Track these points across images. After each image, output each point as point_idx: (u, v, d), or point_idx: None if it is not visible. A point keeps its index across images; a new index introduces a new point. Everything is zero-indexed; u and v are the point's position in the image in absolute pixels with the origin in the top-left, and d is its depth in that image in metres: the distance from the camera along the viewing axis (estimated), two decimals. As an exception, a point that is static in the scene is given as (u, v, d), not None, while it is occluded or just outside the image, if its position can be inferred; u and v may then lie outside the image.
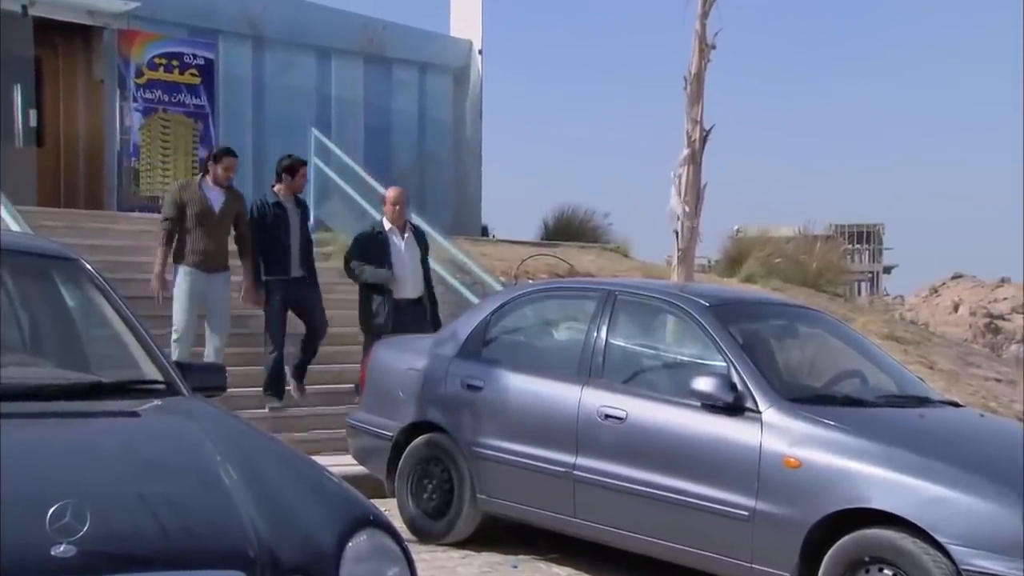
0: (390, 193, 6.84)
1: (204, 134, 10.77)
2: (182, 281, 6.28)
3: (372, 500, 2.71)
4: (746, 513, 3.95)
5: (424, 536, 5.04)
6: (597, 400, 4.53)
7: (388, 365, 5.46)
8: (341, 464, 5.91)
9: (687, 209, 7.93)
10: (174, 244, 6.29)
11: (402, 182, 12.66)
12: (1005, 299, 33.23)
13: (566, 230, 14.53)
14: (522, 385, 4.85)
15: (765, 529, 3.90)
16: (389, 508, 4.96)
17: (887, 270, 43.97)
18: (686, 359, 4.62)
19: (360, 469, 5.62)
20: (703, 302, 4.57)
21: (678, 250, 8.08)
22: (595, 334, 4.73)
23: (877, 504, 3.60)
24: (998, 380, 11.18)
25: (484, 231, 14.51)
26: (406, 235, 6.69)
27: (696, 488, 4.12)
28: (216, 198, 6.35)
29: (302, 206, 6.83)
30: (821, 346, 5.06)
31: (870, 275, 41.98)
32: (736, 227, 17.92)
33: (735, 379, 4.15)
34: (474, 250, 10.11)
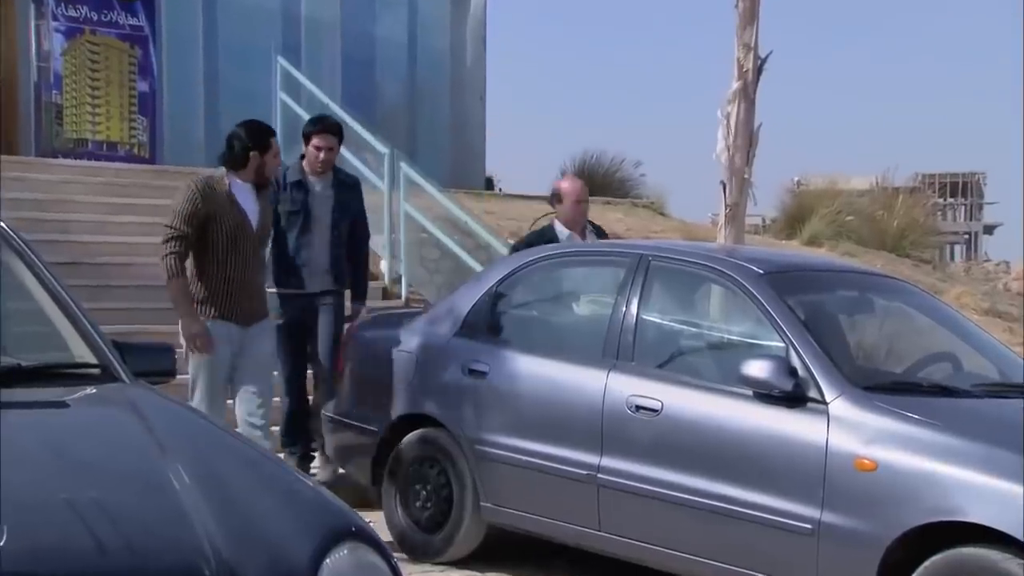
0: (567, 185, 6.15)
1: (144, 62, 10.77)
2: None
3: (354, 509, 2.73)
4: (809, 527, 3.97)
5: (417, 552, 5.09)
6: (626, 388, 4.55)
7: (372, 347, 5.49)
8: (316, 465, 5.98)
9: (737, 156, 7.90)
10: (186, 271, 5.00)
11: (390, 124, 12.69)
12: None
13: (589, 182, 14.47)
14: (535, 370, 4.87)
15: (833, 546, 3.92)
16: (375, 519, 5.00)
17: (989, 230, 43.77)
18: (735, 338, 4.63)
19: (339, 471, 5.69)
20: (756, 269, 4.57)
21: (726, 206, 8.05)
22: (624, 308, 4.74)
23: (974, 517, 3.61)
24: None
25: (489, 184, 14.53)
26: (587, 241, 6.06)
27: (747, 495, 4.14)
28: (251, 207, 5.07)
29: (343, 188, 5.92)
30: (903, 323, 5.06)
31: (967, 236, 41.82)
32: (797, 178, 17.94)
33: (795, 363, 4.15)
34: (477, 207, 10.12)
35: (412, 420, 5.19)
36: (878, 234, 14.08)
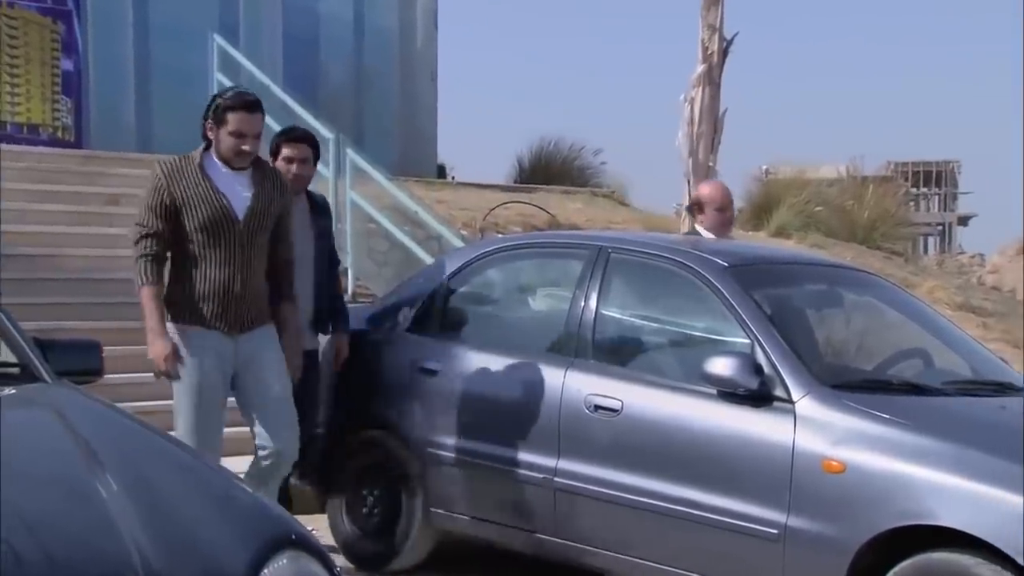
0: (708, 191, 5.84)
1: (67, 39, 10.62)
2: (186, 361, 4.35)
3: (296, 516, 2.72)
4: (775, 531, 4.00)
5: (363, 561, 5.09)
6: (585, 387, 4.57)
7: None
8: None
9: (702, 143, 7.97)
10: (163, 276, 4.39)
11: (335, 108, 12.62)
12: (1121, 256, 33.58)
13: (546, 171, 14.57)
14: (489, 368, 4.87)
15: (799, 551, 3.96)
16: (318, 526, 4.98)
17: (963, 221, 44.39)
18: (699, 335, 4.66)
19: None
20: (720, 262, 4.60)
21: (689, 196, 8.12)
22: (582, 303, 4.75)
23: (946, 520, 3.65)
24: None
25: (441, 172, 14.52)
26: None
27: (710, 499, 4.17)
28: (237, 190, 4.38)
29: (320, 213, 5.10)
30: (873, 318, 5.12)
31: (940, 227, 42.37)
32: (765, 167, 18.09)
33: (761, 360, 4.18)
34: (428, 196, 10.12)
35: (359, 421, 5.18)
36: (848, 225, 14.23)
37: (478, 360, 4.89)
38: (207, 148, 4.39)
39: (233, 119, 4.31)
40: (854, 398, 4.07)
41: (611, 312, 4.78)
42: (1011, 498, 3.56)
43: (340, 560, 5.02)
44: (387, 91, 13.70)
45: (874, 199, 15.07)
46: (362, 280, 9.01)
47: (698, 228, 5.83)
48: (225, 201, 4.32)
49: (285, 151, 4.99)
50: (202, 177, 4.33)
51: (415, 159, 13.45)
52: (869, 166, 20.18)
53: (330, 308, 5.08)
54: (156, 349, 4.28)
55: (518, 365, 4.82)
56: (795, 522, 3.96)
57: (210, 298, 4.32)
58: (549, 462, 4.59)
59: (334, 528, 5.18)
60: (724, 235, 5.79)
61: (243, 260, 4.35)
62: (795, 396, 4.08)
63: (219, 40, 10.66)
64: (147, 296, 4.30)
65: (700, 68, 8.10)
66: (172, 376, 4.30)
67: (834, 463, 3.91)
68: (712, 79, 8.09)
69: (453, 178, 14.19)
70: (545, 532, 4.63)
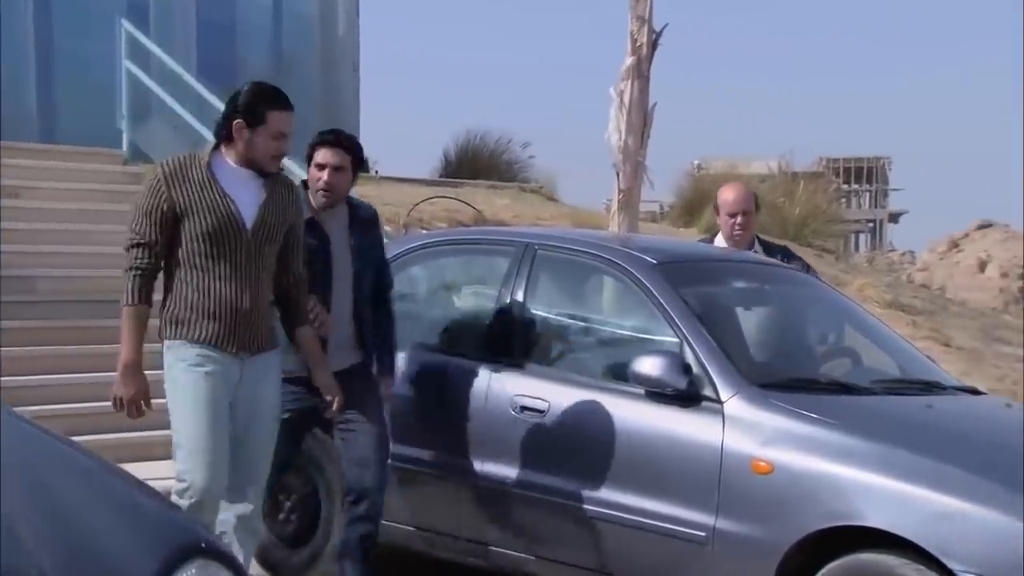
0: (724, 194, 5.57)
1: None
2: (185, 377, 3.94)
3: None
4: (703, 534, 4.05)
5: (279, 570, 5.05)
6: (511, 387, 4.58)
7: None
8: (166, 476, 5.86)
9: (631, 137, 8.02)
10: (152, 295, 3.98)
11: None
12: (1048, 254, 34.56)
13: (473, 165, 14.57)
14: (411, 368, 4.87)
15: (728, 554, 4.01)
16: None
17: (894, 218, 45.26)
18: (627, 334, 4.70)
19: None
20: (649, 259, 4.64)
21: (619, 192, 8.18)
22: (508, 301, 4.77)
23: (872, 521, 3.72)
24: (1036, 361, 11.66)
25: (363, 165, 14.41)
26: None
27: (638, 501, 4.21)
28: (247, 196, 4.00)
29: (362, 225, 4.62)
30: (802, 317, 5.20)
31: (871, 224, 43.18)
32: (697, 162, 18.30)
33: (689, 359, 4.24)
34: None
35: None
36: (779, 222, 14.43)
37: (400, 360, 4.88)
38: (216, 147, 4.01)
39: (275, 119, 3.95)
40: (783, 398, 4.13)
41: (538, 311, 4.80)
42: (936, 497, 3.65)
43: (255, 569, 4.97)
44: (307, 81, 13.58)
45: (805, 195, 15.31)
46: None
47: (720, 239, 5.63)
48: (233, 207, 3.92)
49: (317, 156, 4.51)
50: (209, 179, 3.92)
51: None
52: (800, 162, 20.55)
53: (379, 344, 4.60)
54: (125, 389, 3.87)
55: (443, 365, 4.82)
56: (723, 524, 4.01)
57: (216, 316, 3.90)
58: (475, 465, 4.60)
59: (250, 536, 5.12)
60: (742, 245, 5.52)
61: (251, 274, 3.95)
62: (724, 396, 4.14)
63: (127, 25, 10.49)
64: (130, 319, 3.87)
65: (629, 60, 8.15)
66: (142, 402, 3.90)
67: (762, 464, 3.97)
68: (641, 72, 8.14)
69: (376, 172, 14.12)
70: (472, 538, 4.64)
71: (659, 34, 8.15)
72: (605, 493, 4.29)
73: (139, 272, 3.89)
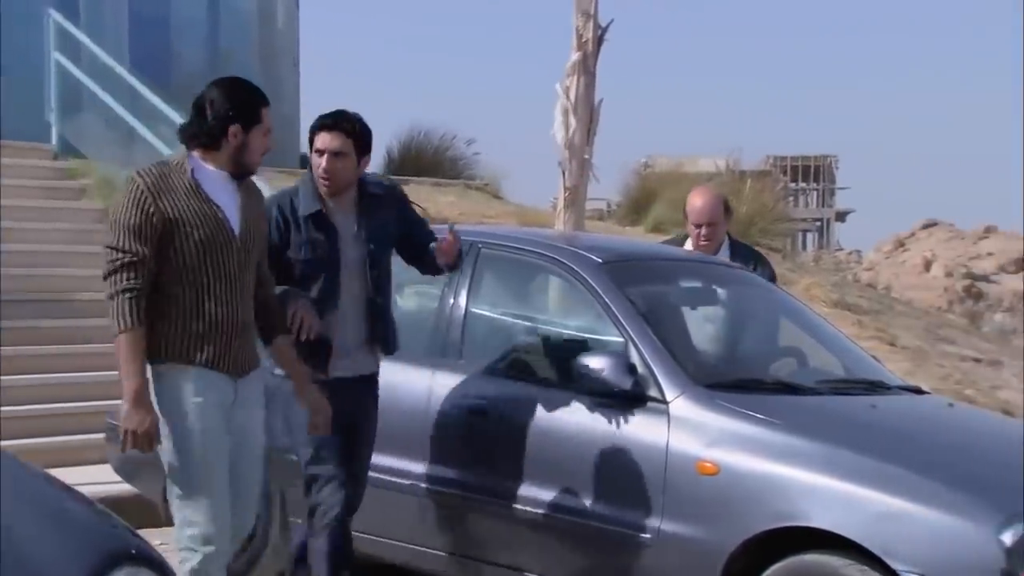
0: (696, 201, 5.51)
1: None
2: (186, 409, 3.72)
3: (141, 530, 2.67)
4: (648, 536, 4.09)
5: None
6: (453, 389, 4.59)
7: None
8: (97, 482, 5.81)
9: (577, 134, 8.06)
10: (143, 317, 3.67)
11: (188, 92, 12.30)
12: (990, 254, 35.26)
13: (417, 162, 14.52)
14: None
15: (672, 555, 4.05)
16: (165, 542, 4.89)
17: (841, 217, 45.81)
18: (572, 333, 4.72)
19: (125, 487, 5.55)
20: (595, 258, 4.67)
21: (564, 190, 8.21)
22: (451, 301, 4.77)
23: (817, 522, 3.77)
24: (977, 360, 11.89)
25: (304, 162, 14.31)
26: None
27: (582, 503, 4.24)
28: (230, 202, 3.83)
29: (372, 206, 4.36)
30: (748, 316, 5.25)
31: (818, 223, 43.68)
32: (644, 159, 18.41)
33: (634, 359, 4.27)
34: (288, 186, 9.96)
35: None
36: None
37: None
38: (192, 153, 3.79)
39: (267, 115, 3.85)
40: (728, 398, 4.18)
41: (481, 310, 4.81)
42: (879, 497, 3.71)
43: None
44: (246, 75, 13.44)
45: (752, 194, 15.44)
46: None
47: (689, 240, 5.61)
48: (221, 214, 3.74)
49: (316, 141, 4.29)
50: (194, 187, 3.72)
51: (276, 149, 13.18)
52: (747, 160, 20.71)
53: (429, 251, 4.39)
54: (139, 420, 3.57)
55: (384, 366, 4.81)
56: (669, 525, 4.05)
57: (211, 336, 3.70)
58: (416, 468, 4.60)
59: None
60: (705, 253, 5.47)
61: (243, 285, 3.79)
62: (669, 396, 4.17)
63: (56, 16, 10.35)
64: (129, 344, 3.57)
65: (575, 56, 8.19)
66: (153, 435, 3.62)
67: (708, 465, 4.01)
68: (587, 68, 8.19)
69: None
70: (412, 542, 4.64)
71: (605, 29, 8.20)
72: (548, 495, 4.31)
73: (133, 293, 3.58)
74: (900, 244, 37.55)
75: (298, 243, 4.23)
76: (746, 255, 5.63)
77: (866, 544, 3.66)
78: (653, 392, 4.20)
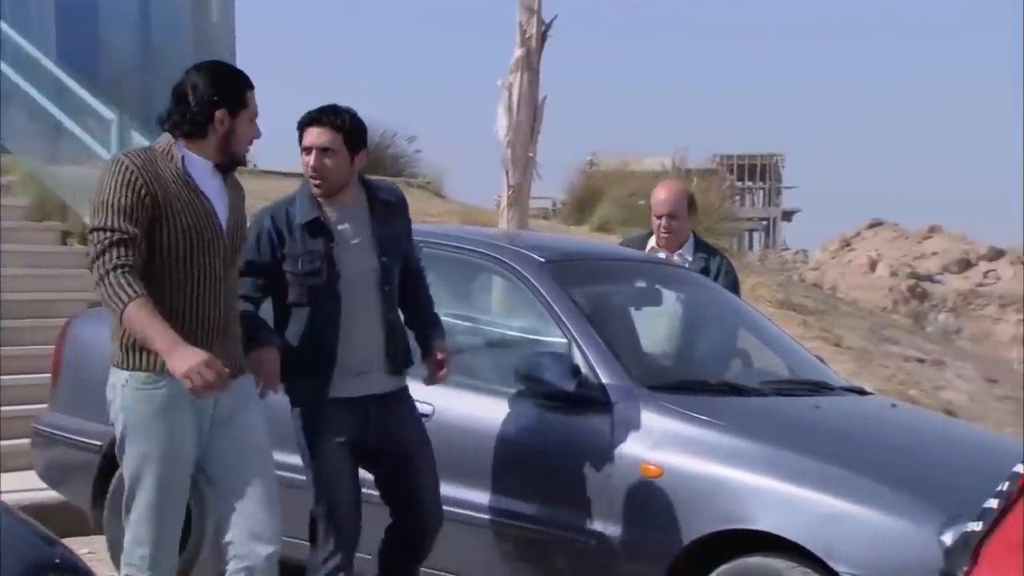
0: (660, 193, 5.57)
1: None
2: (155, 425, 3.51)
3: (67, 538, 2.64)
4: (593, 541, 4.10)
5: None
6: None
7: (93, 347, 5.28)
8: (21, 488, 5.73)
9: (520, 132, 8.07)
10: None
11: (119, 86, 12.20)
12: (935, 254, 35.87)
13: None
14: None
15: (618, 559, 4.07)
16: (95, 551, 4.85)
17: (787, 216, 46.34)
18: (515, 334, 4.73)
19: (51, 495, 5.49)
20: (537, 257, 4.67)
21: (508, 188, 8.23)
22: (391, 301, 4.76)
23: (761, 524, 3.81)
24: (921, 360, 12.07)
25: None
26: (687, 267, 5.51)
27: (525, 507, 4.24)
28: (217, 196, 3.66)
29: (385, 213, 4.15)
30: (693, 317, 5.29)
31: (764, 222, 44.12)
32: (590, 157, 18.48)
33: (578, 360, 4.28)
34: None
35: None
36: (672, 220, 14.59)
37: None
38: (179, 139, 3.60)
39: (252, 99, 3.66)
40: (672, 399, 4.20)
41: (422, 311, 4.79)
42: (822, 499, 3.75)
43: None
44: (180, 69, 13.24)
45: (698, 193, 15.52)
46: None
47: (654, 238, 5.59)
48: (210, 206, 3.57)
49: (303, 139, 4.05)
50: (184, 176, 3.54)
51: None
52: (694, 158, 20.87)
53: (418, 315, 4.26)
54: (188, 359, 3.34)
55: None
56: (613, 529, 4.07)
57: (193, 335, 3.46)
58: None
59: (112, 551, 5.02)
60: (666, 247, 5.52)
61: (228, 285, 3.62)
62: (613, 398, 4.19)
63: (-22, 8, 10.19)
64: (140, 311, 3.33)
65: (518, 52, 8.21)
66: (221, 388, 3.41)
67: (652, 467, 4.04)
68: (531, 64, 8.21)
69: (255, 165, 13.95)
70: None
71: (549, 25, 8.23)
72: (492, 499, 4.31)
73: (126, 269, 3.37)
74: (846, 244, 38.07)
75: (295, 255, 3.99)
76: (709, 255, 5.64)
77: (809, 546, 3.70)
78: (596, 394, 4.21)
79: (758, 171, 45.25)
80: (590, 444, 4.17)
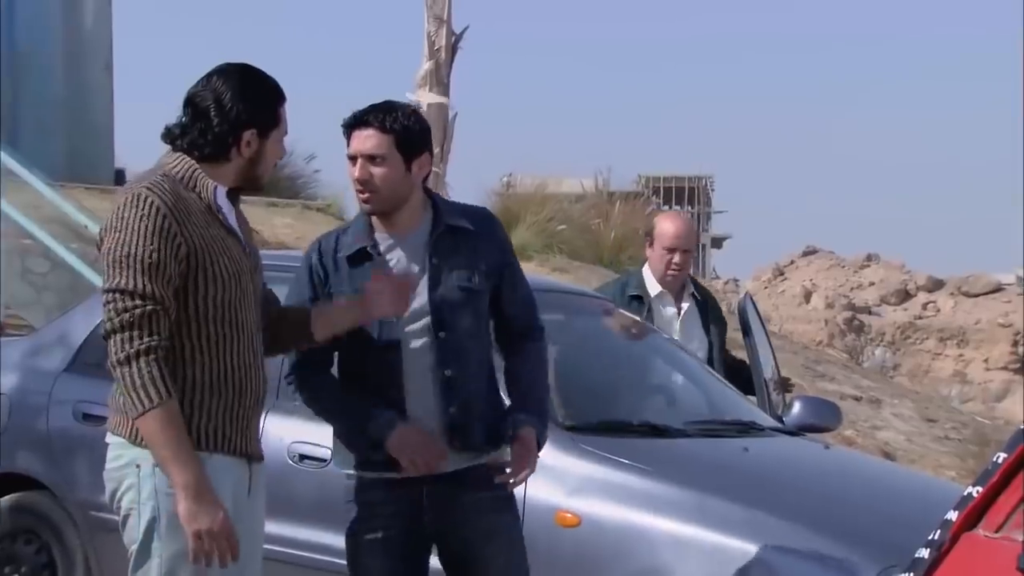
0: (664, 224, 5.50)
1: None
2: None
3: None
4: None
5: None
6: (287, 434, 4.56)
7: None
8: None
9: (428, 150, 8.10)
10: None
11: (-20, 95, 11.92)
12: (872, 284, 36.56)
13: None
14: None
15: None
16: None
17: (717, 243, 46.84)
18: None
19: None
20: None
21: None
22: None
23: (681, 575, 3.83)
24: (857, 398, 12.26)
25: (119, 177, 14.09)
26: (684, 306, 5.56)
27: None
28: (236, 226, 3.29)
29: (448, 258, 3.57)
30: (613, 352, 5.33)
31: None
32: (505, 177, 18.52)
33: (490, 400, 4.29)
34: (102, 207, 9.79)
35: (3, 481, 5.02)
36: (593, 246, 14.73)
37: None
38: (193, 167, 3.16)
39: (284, 114, 3.29)
40: (591, 442, 4.24)
41: (318, 347, 4.78)
42: (749, 548, 3.80)
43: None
44: (48, 80, 13.19)
45: (622, 217, 15.69)
46: (14, 308, 8.64)
47: (647, 272, 5.57)
48: (240, 246, 3.21)
49: (349, 145, 3.57)
50: (214, 212, 3.16)
51: (87, 162, 13.02)
52: (617, 180, 21.04)
53: (513, 390, 3.69)
54: (212, 516, 2.99)
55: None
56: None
57: (231, 412, 3.15)
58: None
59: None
60: (675, 284, 5.52)
61: (259, 338, 3.25)
62: (526, 440, 4.20)
63: None
64: (167, 422, 2.97)
65: (426, 65, 8.27)
66: (227, 558, 3.03)
67: (568, 515, 4.06)
68: (440, 79, 8.28)
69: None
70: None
71: (459, 37, 8.29)
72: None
73: (156, 355, 2.98)
74: (779, 272, 38.65)
75: (340, 294, 3.54)
76: (696, 287, 5.72)
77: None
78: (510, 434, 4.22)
79: (686, 194, 45.67)
80: (502, 491, 4.18)
